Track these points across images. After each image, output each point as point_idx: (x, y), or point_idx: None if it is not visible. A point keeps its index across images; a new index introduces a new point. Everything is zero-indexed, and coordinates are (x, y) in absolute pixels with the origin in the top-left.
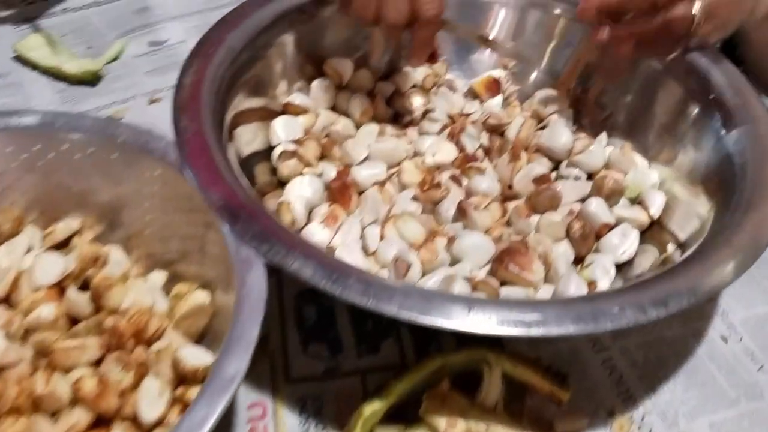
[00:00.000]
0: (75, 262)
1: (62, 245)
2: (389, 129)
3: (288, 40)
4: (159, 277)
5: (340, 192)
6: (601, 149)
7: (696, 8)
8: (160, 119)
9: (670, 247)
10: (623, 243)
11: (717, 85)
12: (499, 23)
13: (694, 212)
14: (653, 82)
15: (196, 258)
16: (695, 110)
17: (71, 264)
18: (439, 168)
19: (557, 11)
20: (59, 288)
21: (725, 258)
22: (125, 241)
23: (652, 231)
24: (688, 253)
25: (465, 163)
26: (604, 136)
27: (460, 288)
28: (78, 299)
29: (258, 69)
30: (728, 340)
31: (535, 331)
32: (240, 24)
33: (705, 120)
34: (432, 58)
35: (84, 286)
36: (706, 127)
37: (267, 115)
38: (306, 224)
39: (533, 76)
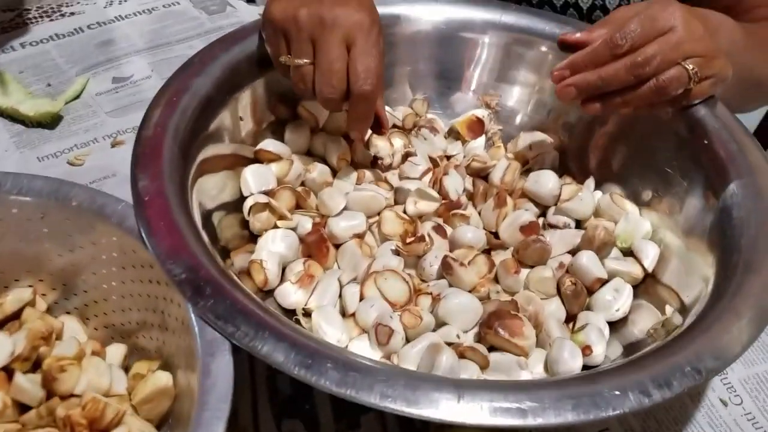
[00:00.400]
0: (24, 341)
1: (13, 317)
2: (368, 174)
3: (258, 81)
4: (118, 351)
5: (316, 246)
6: (590, 196)
7: (689, 65)
8: (123, 163)
9: (669, 309)
10: (617, 300)
11: (711, 131)
12: (482, 61)
13: (690, 267)
14: (644, 126)
15: (158, 331)
16: (687, 156)
17: (20, 344)
18: (421, 217)
19: (543, 48)
20: (6, 372)
21: (731, 329)
22: (82, 310)
23: (646, 285)
24: (689, 320)
25: (448, 210)
26: (591, 181)
27: (447, 359)
28: (27, 386)
29: (226, 114)
30: (728, 403)
31: (532, 421)
32: (206, 67)
33: (698, 167)
34: (378, 129)
35: (36, 364)
36: (699, 176)
37: (237, 162)
38: (280, 283)
39: (518, 117)
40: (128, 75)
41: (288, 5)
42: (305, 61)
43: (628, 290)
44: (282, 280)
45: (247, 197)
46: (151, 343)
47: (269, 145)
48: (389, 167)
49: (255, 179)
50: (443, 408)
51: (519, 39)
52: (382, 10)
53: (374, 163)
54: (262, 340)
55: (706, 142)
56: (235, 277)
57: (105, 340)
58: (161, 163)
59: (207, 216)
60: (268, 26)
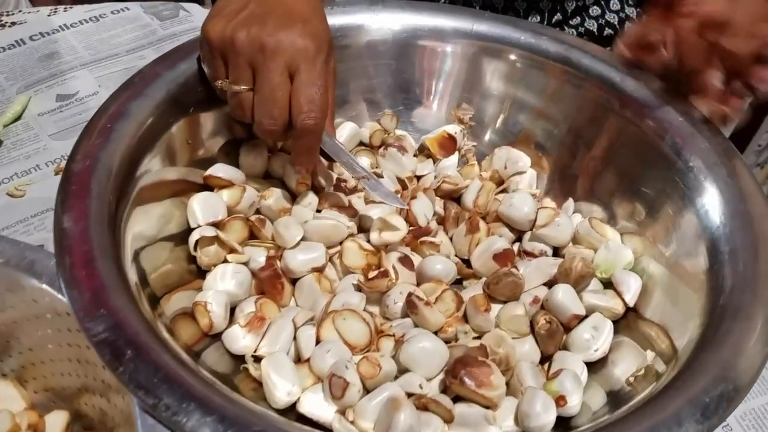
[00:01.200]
0: None
1: None
2: (331, 198)
3: (211, 98)
4: (59, 420)
5: (270, 283)
6: (567, 221)
7: None
8: None
9: (649, 356)
10: (596, 339)
11: (700, 153)
12: (446, 72)
13: (676, 301)
14: (628, 146)
15: (99, 399)
16: (673, 179)
17: None
18: (387, 247)
19: (512, 57)
20: None
21: (717, 386)
22: (19, 372)
23: (628, 320)
24: (671, 374)
25: (416, 238)
26: (570, 203)
27: (405, 419)
28: None
29: (171, 137)
30: None
31: None
32: (147, 88)
33: (685, 192)
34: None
35: None
36: (686, 201)
37: (187, 189)
38: (230, 325)
39: (488, 132)
40: (73, 92)
41: (226, 25)
42: (243, 87)
43: (609, 328)
44: (232, 321)
45: (194, 229)
46: (93, 411)
47: (219, 170)
48: (354, 190)
49: (203, 209)
50: None
51: (486, 48)
52: (333, 20)
53: (337, 185)
54: (186, 413)
55: (692, 165)
56: (165, 333)
57: (46, 405)
58: (87, 202)
59: (144, 252)
60: (205, 46)
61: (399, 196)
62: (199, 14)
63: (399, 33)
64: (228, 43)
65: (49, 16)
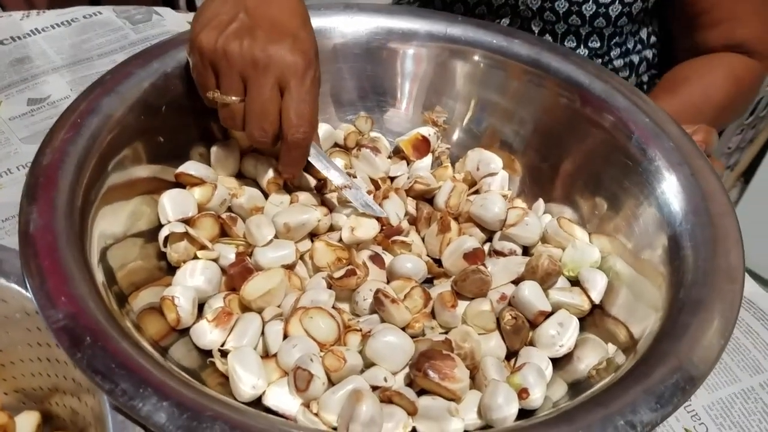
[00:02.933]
0: None
1: None
2: (303, 197)
3: (181, 99)
4: (29, 420)
5: (241, 278)
6: (536, 221)
7: None
8: None
9: (611, 349)
10: (561, 335)
11: (663, 153)
12: (411, 74)
13: (640, 297)
14: (594, 147)
15: (70, 396)
16: (638, 178)
17: None
18: (359, 245)
19: (476, 57)
20: None
21: (673, 376)
22: None
23: (594, 317)
24: (630, 362)
25: (388, 237)
26: (540, 204)
27: (367, 410)
28: None
29: (144, 133)
30: None
31: None
32: (119, 85)
33: (649, 190)
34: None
35: None
36: (650, 199)
37: (158, 187)
38: (196, 321)
39: (455, 133)
40: (45, 96)
41: (218, 37)
42: (234, 99)
43: (574, 324)
44: (200, 316)
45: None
46: (64, 411)
47: (191, 167)
48: (328, 189)
49: (173, 205)
50: None
51: (451, 49)
52: None
53: (316, 186)
54: (142, 398)
55: (657, 164)
56: (128, 323)
57: (17, 406)
58: (53, 195)
59: (113, 248)
60: (195, 55)
61: (372, 196)
62: (171, 18)
63: (371, 36)
64: (220, 55)
65: (21, 20)
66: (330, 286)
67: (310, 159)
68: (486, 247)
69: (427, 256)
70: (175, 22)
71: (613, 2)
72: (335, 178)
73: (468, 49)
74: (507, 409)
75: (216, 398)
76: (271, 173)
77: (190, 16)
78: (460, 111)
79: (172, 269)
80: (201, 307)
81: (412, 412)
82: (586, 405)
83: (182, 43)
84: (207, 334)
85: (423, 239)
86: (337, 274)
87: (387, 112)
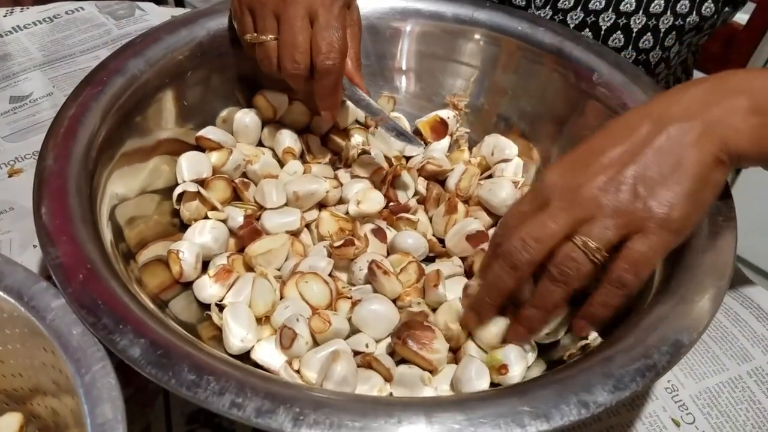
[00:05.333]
0: None
1: None
2: (316, 169)
3: (211, 62)
4: (12, 421)
5: (249, 240)
6: None
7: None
8: (23, 195)
9: (592, 334)
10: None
11: None
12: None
13: None
14: None
15: (51, 398)
16: None
17: None
18: (364, 218)
19: (477, 36)
20: None
21: (636, 361)
22: None
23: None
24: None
25: (394, 213)
26: None
27: (341, 369)
28: None
29: (171, 96)
30: (680, 423)
31: None
32: (147, 49)
33: None
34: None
35: None
36: None
37: (180, 148)
38: (200, 276)
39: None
40: (27, 93)
41: None
42: (270, 36)
43: (564, 316)
44: (204, 273)
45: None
46: (46, 412)
47: (210, 132)
48: (345, 163)
49: (189, 166)
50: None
51: (449, 29)
52: None
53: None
54: (121, 334)
55: None
56: (121, 266)
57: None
58: (71, 144)
59: (128, 203)
60: (235, 3)
61: (385, 172)
62: (155, 13)
63: (380, 14)
64: None
65: (4, 17)
66: (330, 255)
67: (345, 94)
68: (492, 232)
69: (433, 235)
70: (158, 16)
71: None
72: (372, 111)
73: (496, 35)
74: (477, 383)
75: (189, 339)
76: (287, 142)
77: (176, 11)
78: (481, 96)
79: (184, 226)
80: (207, 264)
81: (388, 378)
82: (541, 380)
83: (211, 12)
84: (207, 289)
85: (431, 219)
86: (337, 244)
87: (408, 94)
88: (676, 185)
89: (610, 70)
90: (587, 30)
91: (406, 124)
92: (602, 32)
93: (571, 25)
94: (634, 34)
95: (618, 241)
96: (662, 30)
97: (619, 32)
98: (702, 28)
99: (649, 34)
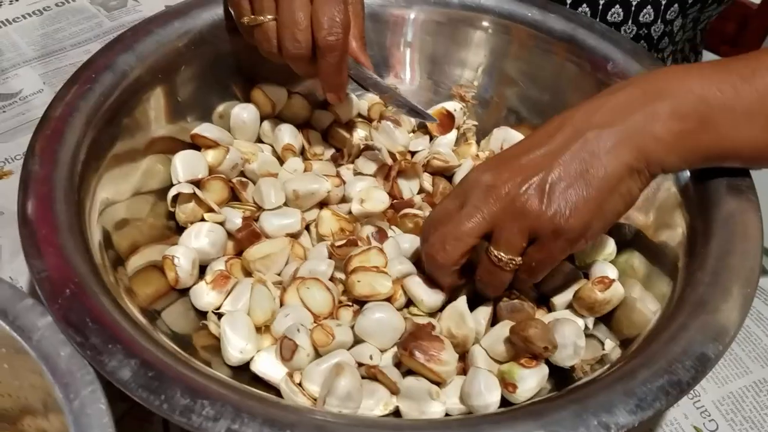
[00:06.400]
0: None
1: None
2: (318, 166)
3: (206, 56)
4: None
5: (248, 243)
6: None
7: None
8: (12, 199)
9: (608, 345)
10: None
11: None
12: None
13: (646, 296)
14: None
15: (42, 419)
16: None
17: None
18: (368, 218)
19: (485, 23)
20: None
21: (658, 379)
22: None
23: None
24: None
25: (398, 210)
26: None
27: (345, 384)
28: None
29: (163, 92)
30: (703, 430)
31: None
32: (137, 43)
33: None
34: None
35: None
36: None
37: (175, 146)
38: (197, 282)
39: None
40: (17, 90)
41: None
42: (268, 17)
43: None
44: (202, 278)
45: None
46: None
47: (206, 129)
48: (349, 158)
49: (184, 166)
50: None
51: (455, 16)
52: None
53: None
54: (109, 354)
55: None
56: (111, 278)
57: None
58: (56, 147)
59: (119, 205)
60: None
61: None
62: (147, 3)
63: (382, 1)
64: None
65: None
66: (331, 256)
67: (350, 74)
68: None
69: None
70: (151, 7)
71: None
72: (379, 88)
73: (507, 23)
74: (488, 396)
75: (181, 358)
76: (287, 138)
77: (169, 0)
78: (492, 87)
79: (180, 229)
80: (205, 268)
81: (394, 391)
82: (560, 400)
83: (205, 3)
84: (204, 296)
85: None
86: (338, 243)
87: (413, 86)
88: (579, 193)
89: (626, 59)
90: (585, 5)
91: (409, 118)
92: (600, 7)
93: (569, 1)
94: (633, 8)
95: (527, 243)
96: (663, 3)
97: (617, 6)
98: (705, 1)
99: (649, 7)
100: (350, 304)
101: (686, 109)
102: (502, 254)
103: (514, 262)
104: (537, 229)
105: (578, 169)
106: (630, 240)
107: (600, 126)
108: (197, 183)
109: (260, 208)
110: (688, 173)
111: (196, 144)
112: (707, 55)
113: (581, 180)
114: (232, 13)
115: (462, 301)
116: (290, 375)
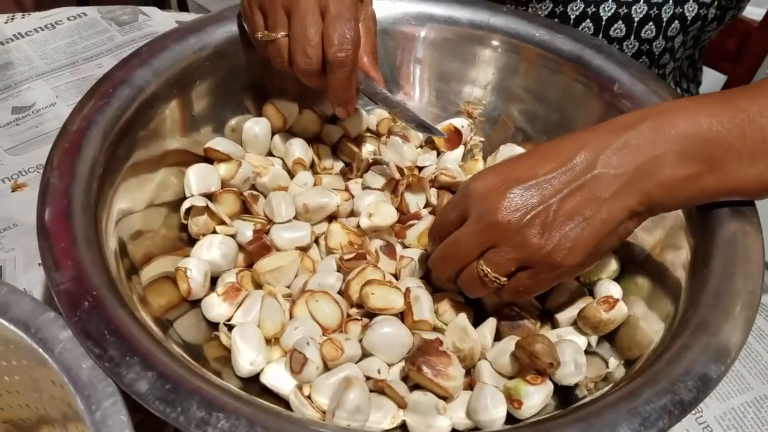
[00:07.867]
0: None
1: None
2: (327, 180)
3: (220, 71)
4: None
5: (259, 255)
6: None
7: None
8: (26, 211)
9: (612, 363)
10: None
11: None
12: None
13: (650, 315)
14: None
15: (58, 429)
16: None
17: None
18: (376, 231)
19: (494, 42)
20: None
21: (660, 398)
22: None
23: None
24: (619, 382)
25: (404, 223)
26: None
27: (354, 398)
28: None
29: (178, 106)
30: None
31: None
32: (153, 58)
33: None
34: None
35: None
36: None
37: (189, 159)
38: (208, 293)
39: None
40: (30, 103)
41: None
42: (281, 33)
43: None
44: (213, 290)
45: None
46: None
47: (219, 143)
48: (357, 172)
49: (197, 179)
50: None
51: (466, 35)
52: None
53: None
54: (127, 367)
55: None
56: (129, 291)
57: None
58: (74, 161)
59: (134, 217)
60: (245, 2)
61: (396, 184)
62: (158, 18)
63: (393, 19)
64: None
65: (5, 23)
66: (339, 269)
67: (358, 87)
68: None
69: None
70: (162, 22)
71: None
72: (389, 103)
73: (515, 41)
74: (494, 411)
75: (197, 372)
76: (297, 153)
77: (180, 15)
78: (500, 105)
79: (192, 241)
80: (216, 280)
81: (401, 405)
82: (565, 418)
83: (219, 19)
84: (215, 308)
85: None
86: (348, 256)
87: (422, 102)
88: (579, 233)
89: (632, 80)
90: (588, 21)
91: (417, 133)
92: (603, 22)
93: (572, 17)
94: (635, 24)
95: (516, 269)
96: (664, 19)
97: (620, 22)
98: (705, 18)
99: (651, 23)
100: (359, 318)
101: (694, 152)
102: (489, 271)
103: (498, 282)
104: (532, 260)
105: (582, 208)
106: (635, 259)
107: (609, 167)
108: (210, 196)
109: (271, 221)
110: None
111: (209, 157)
112: (707, 72)
113: (583, 219)
114: (246, 28)
115: (462, 318)
116: (299, 387)
